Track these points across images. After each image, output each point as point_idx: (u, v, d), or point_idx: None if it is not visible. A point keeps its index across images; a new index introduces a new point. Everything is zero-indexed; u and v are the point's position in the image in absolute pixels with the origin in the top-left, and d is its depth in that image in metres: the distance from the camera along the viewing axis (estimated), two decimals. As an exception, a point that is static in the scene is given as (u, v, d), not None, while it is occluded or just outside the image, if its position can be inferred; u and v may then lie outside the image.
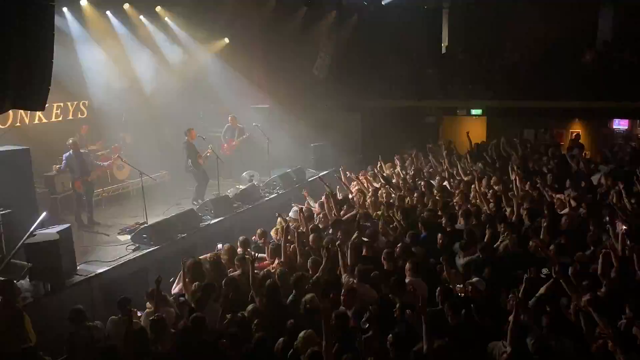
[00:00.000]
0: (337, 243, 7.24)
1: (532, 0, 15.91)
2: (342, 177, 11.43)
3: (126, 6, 12.60)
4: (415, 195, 9.82)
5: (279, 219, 8.89)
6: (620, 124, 17.01)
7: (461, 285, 6.19)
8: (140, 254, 9.01)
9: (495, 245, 7.29)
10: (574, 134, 15.06)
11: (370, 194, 10.17)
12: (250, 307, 6.01)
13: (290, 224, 8.60)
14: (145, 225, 9.74)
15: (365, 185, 10.95)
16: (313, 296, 5.86)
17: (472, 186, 10.03)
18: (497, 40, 16.19)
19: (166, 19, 13.48)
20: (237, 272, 7.10)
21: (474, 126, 17.24)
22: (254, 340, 5.19)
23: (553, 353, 4.75)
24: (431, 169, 12.49)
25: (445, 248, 7.19)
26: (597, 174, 11.00)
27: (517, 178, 10.16)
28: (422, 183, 10.80)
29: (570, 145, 14.24)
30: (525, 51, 15.92)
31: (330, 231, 8.32)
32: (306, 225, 8.42)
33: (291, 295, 6.25)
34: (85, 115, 12.68)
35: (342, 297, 5.81)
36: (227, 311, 5.87)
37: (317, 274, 6.63)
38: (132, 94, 12.99)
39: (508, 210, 8.66)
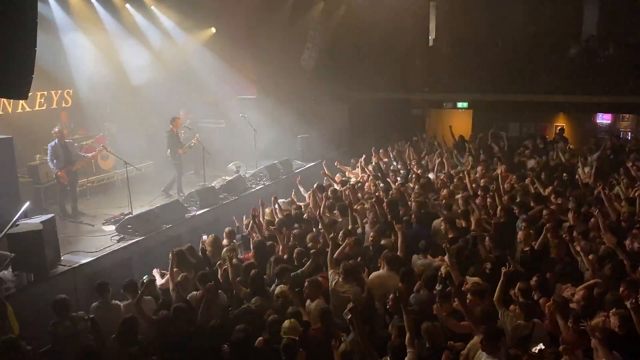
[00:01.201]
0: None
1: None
2: (324, 170, 11.46)
3: (112, -6, 12.48)
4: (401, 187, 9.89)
5: (268, 210, 8.96)
6: (603, 119, 17.23)
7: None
8: (125, 244, 8.96)
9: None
10: (558, 128, 15.21)
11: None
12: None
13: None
14: (130, 215, 9.69)
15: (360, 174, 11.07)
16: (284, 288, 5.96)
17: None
18: (484, 34, 16.25)
19: (153, 7, 13.36)
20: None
21: (459, 119, 17.37)
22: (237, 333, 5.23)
23: None
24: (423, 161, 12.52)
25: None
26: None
27: (501, 171, 10.28)
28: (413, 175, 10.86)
29: (555, 138, 14.42)
30: (511, 45, 16.01)
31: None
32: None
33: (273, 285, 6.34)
34: (69, 105, 12.56)
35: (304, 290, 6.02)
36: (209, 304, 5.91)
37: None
38: (117, 83, 12.88)
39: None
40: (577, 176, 10.47)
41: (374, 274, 6.46)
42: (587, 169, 10.91)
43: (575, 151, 13.06)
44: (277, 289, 6.17)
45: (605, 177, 10.24)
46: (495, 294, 5.41)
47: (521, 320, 5.24)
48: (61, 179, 10.20)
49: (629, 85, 14.36)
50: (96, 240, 9.11)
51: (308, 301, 5.93)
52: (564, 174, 10.51)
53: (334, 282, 6.23)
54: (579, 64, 15.29)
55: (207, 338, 5.33)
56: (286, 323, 5.21)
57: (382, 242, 7.42)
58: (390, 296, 5.54)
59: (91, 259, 8.33)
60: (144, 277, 6.98)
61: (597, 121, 17.30)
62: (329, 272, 6.42)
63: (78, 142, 11.59)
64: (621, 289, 5.49)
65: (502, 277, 5.47)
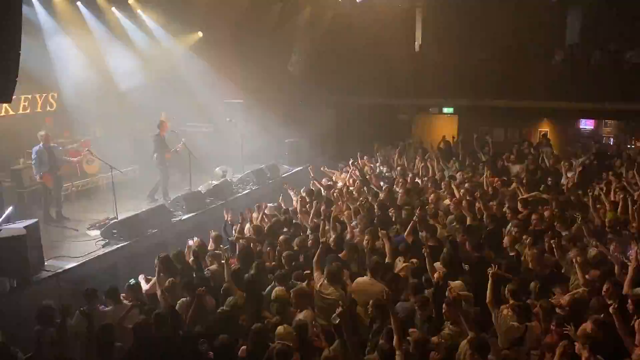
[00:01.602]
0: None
1: (502, 1, 16.14)
2: (312, 175, 11.44)
3: (97, -3, 12.39)
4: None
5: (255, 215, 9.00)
6: (586, 124, 17.46)
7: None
8: (110, 249, 8.90)
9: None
10: (541, 133, 15.39)
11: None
12: (230, 300, 6.02)
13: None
14: (115, 220, 9.61)
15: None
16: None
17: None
18: (469, 40, 16.39)
19: (139, 11, 13.30)
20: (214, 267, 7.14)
21: (445, 124, 17.50)
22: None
23: None
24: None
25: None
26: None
27: (486, 175, 10.41)
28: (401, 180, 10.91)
29: (539, 143, 14.61)
30: (496, 51, 16.17)
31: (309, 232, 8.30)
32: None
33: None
34: (54, 108, 12.43)
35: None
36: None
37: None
38: (103, 87, 12.79)
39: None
40: (562, 181, 10.63)
41: (357, 280, 6.46)
42: (570, 174, 11.06)
43: (559, 156, 13.21)
44: (274, 292, 6.12)
45: (589, 183, 10.41)
46: (487, 297, 5.46)
47: (514, 321, 5.29)
48: (46, 182, 10.09)
49: (611, 91, 14.58)
50: (81, 246, 9.02)
51: (297, 311, 5.85)
52: (549, 179, 10.68)
53: (319, 284, 6.24)
54: (562, 71, 15.51)
55: (192, 344, 5.28)
56: (280, 329, 5.17)
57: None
58: (371, 302, 5.53)
59: (76, 264, 8.25)
60: (130, 281, 6.93)
61: (580, 127, 17.53)
62: (315, 274, 6.43)
63: (63, 147, 11.49)
64: (605, 287, 5.55)
65: (490, 279, 5.52)
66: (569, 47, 16.25)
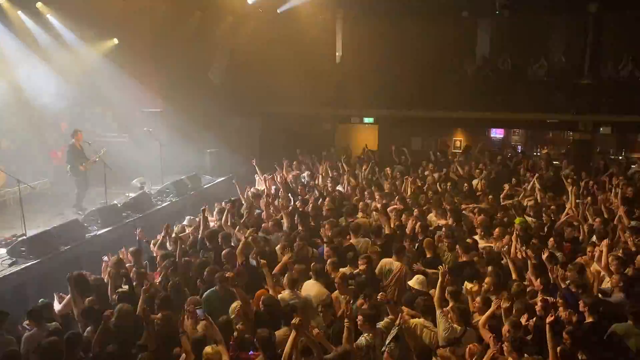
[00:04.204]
0: None
1: (417, 14, 16.79)
2: (238, 187, 11.31)
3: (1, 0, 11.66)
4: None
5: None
6: (497, 133, 18.51)
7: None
8: (18, 268, 8.40)
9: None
10: (456, 142, 16.16)
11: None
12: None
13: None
14: (24, 237, 9.08)
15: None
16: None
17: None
18: (387, 51, 16.91)
19: (48, 15, 12.63)
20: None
21: (366, 133, 17.93)
22: None
23: None
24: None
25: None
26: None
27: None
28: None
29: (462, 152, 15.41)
30: (412, 64, 16.78)
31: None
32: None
33: None
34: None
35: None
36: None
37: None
38: (9, 95, 12.04)
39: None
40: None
41: (306, 283, 6.67)
42: (475, 182, 11.79)
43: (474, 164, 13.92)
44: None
45: (498, 188, 11.12)
46: (435, 295, 5.79)
47: (454, 322, 5.54)
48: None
49: (518, 102, 15.55)
50: (-16, 266, 8.41)
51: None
52: (465, 185, 11.29)
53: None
54: (473, 82, 16.36)
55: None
56: (208, 348, 5.08)
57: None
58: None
59: (-22, 286, 7.69)
60: (40, 301, 6.55)
61: (492, 135, 18.54)
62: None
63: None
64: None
65: (439, 279, 5.87)
66: (479, 59, 17.18)
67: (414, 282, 6.56)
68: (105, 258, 7.74)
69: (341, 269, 6.94)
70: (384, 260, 7.18)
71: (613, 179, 11.29)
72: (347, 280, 6.55)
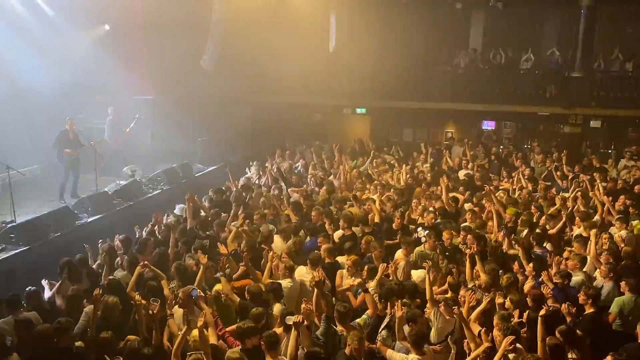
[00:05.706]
0: None
1: (411, 5, 16.76)
2: (231, 177, 11.26)
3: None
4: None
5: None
6: (488, 125, 18.54)
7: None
8: (7, 255, 8.39)
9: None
10: (448, 133, 16.21)
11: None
12: None
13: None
14: (13, 224, 9.04)
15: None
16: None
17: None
18: (381, 42, 16.86)
19: (39, 1, 12.47)
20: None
21: (359, 124, 17.93)
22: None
23: None
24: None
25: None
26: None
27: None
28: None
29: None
30: (405, 55, 16.76)
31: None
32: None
33: None
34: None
35: None
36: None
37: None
38: (-1, 82, 11.90)
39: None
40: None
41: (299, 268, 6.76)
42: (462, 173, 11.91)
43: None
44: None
45: (488, 179, 11.23)
46: (427, 294, 5.89)
47: (448, 316, 5.62)
48: None
49: (509, 94, 15.60)
50: (-26, 252, 8.37)
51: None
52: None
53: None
54: (465, 74, 16.38)
55: (96, 352, 5.07)
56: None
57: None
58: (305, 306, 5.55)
59: (-32, 272, 7.66)
60: (28, 288, 6.53)
61: (483, 127, 18.58)
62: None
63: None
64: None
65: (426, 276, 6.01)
66: (471, 51, 17.19)
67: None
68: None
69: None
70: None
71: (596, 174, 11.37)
72: (358, 265, 6.67)
